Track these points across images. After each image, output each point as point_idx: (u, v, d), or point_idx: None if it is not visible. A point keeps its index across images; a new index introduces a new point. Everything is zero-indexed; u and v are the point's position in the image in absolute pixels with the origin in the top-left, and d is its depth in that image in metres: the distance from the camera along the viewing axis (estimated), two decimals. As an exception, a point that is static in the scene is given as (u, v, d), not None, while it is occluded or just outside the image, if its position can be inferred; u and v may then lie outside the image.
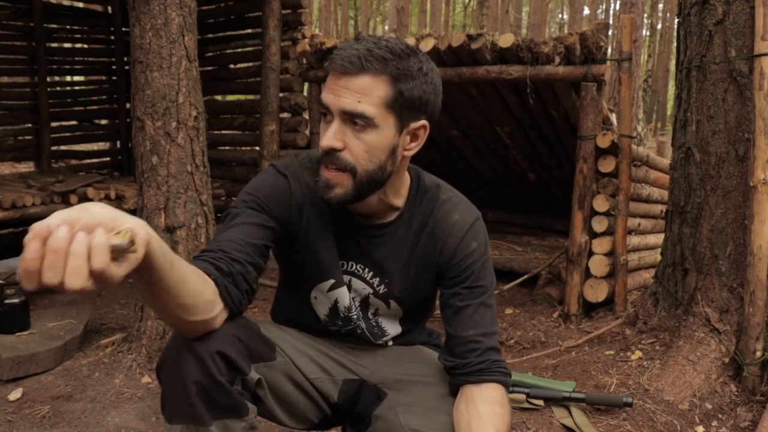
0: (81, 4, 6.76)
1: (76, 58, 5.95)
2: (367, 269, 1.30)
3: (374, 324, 1.36)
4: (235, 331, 1.11)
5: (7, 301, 2.78)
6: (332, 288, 1.30)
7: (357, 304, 1.33)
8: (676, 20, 2.87)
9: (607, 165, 3.38)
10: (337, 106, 1.10)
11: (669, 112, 24.29)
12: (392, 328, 1.39)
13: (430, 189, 1.30)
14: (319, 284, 1.30)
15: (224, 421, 1.07)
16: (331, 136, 1.11)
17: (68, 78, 6.32)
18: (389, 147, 1.14)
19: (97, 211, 0.78)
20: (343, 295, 1.31)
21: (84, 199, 3.90)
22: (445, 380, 1.28)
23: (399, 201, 1.27)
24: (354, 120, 1.11)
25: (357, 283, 1.31)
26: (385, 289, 1.31)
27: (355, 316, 1.34)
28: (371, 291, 1.31)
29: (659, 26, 25.33)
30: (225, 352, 1.06)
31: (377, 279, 1.30)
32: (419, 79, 1.13)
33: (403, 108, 1.13)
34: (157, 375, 1.10)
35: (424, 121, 1.18)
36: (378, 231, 1.28)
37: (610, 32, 4.18)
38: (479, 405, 1.16)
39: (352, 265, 1.30)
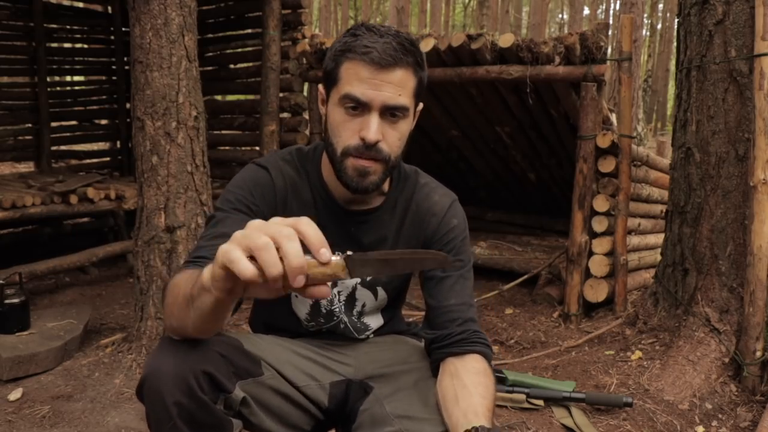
0: (81, 4, 6.76)
1: (76, 58, 5.94)
2: None
3: (356, 320, 1.37)
4: (218, 348, 1.09)
5: (7, 301, 2.78)
6: None
7: (343, 298, 1.33)
8: (676, 20, 2.87)
9: (607, 165, 3.38)
10: (380, 101, 1.12)
11: (669, 112, 24.28)
12: (375, 322, 1.40)
13: (410, 174, 1.34)
14: None
15: None
16: (375, 130, 1.12)
17: (68, 78, 6.31)
18: (409, 133, 1.21)
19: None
20: None
21: (84, 199, 3.90)
22: (427, 364, 1.29)
23: (386, 186, 1.29)
24: (392, 112, 1.14)
25: None
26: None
27: (337, 310, 1.33)
28: (359, 280, 1.31)
29: (659, 26, 25.31)
30: (208, 371, 1.05)
31: None
32: (426, 68, 1.19)
33: (419, 95, 1.19)
34: (138, 395, 1.07)
35: (421, 104, 1.23)
36: (364, 217, 1.29)
37: (610, 32, 4.18)
38: (463, 376, 1.16)
39: (338, 255, 1.29)
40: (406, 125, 1.18)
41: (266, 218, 1.19)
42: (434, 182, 1.36)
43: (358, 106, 1.13)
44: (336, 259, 0.78)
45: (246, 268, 0.74)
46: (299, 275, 0.75)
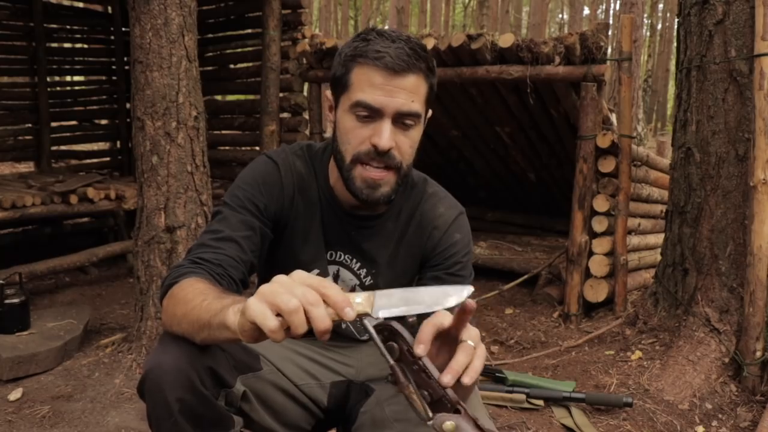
0: (81, 4, 6.75)
1: (76, 58, 5.95)
2: (354, 260, 1.29)
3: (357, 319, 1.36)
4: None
5: (7, 301, 2.78)
6: None
7: None
8: (676, 20, 2.87)
9: (607, 165, 3.38)
10: (394, 107, 1.10)
11: (669, 112, 24.28)
12: None
13: (418, 183, 1.32)
14: None
15: None
16: (388, 137, 1.11)
17: (68, 78, 6.31)
18: (419, 139, 1.19)
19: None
20: None
21: (84, 199, 3.90)
22: None
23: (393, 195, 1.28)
24: (404, 119, 1.12)
25: (344, 274, 1.30)
26: (372, 281, 1.30)
27: None
28: (357, 282, 1.31)
29: (659, 26, 25.31)
30: (209, 365, 1.05)
31: (364, 270, 1.30)
32: (436, 74, 1.17)
33: (429, 101, 1.17)
34: (139, 392, 1.07)
35: (430, 111, 1.21)
36: (367, 222, 1.28)
37: (610, 32, 4.18)
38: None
39: (340, 255, 1.29)
40: (417, 132, 1.16)
41: (271, 218, 1.22)
42: (442, 192, 1.33)
43: (370, 113, 1.11)
44: (359, 301, 0.83)
45: (274, 328, 0.79)
46: (325, 335, 0.80)
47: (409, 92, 1.10)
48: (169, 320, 1.05)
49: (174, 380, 1.01)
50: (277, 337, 0.80)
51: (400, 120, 1.12)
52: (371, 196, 1.15)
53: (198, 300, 0.97)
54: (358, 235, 1.28)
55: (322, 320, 0.78)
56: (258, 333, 0.82)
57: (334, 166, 1.24)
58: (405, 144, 1.14)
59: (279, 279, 0.82)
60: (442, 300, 0.86)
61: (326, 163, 1.28)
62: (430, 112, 1.22)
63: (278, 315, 0.79)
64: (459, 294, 0.86)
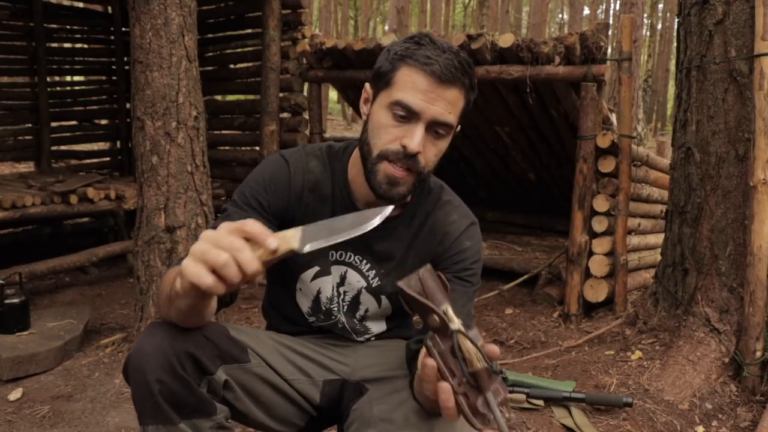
0: (81, 4, 6.76)
1: (76, 58, 5.95)
2: (364, 260, 1.29)
3: (358, 323, 1.36)
4: (204, 331, 1.12)
5: (7, 301, 2.78)
6: (316, 277, 1.30)
7: (347, 300, 1.32)
8: (676, 20, 2.87)
9: (607, 165, 3.38)
10: (431, 114, 1.12)
11: (669, 112, 24.29)
12: (377, 327, 1.38)
13: (434, 189, 1.33)
14: (303, 273, 1.30)
15: (192, 421, 1.08)
16: (419, 141, 1.13)
17: (68, 78, 6.32)
18: (445, 150, 1.21)
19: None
20: (326, 285, 1.31)
21: (84, 199, 3.90)
22: None
23: (409, 197, 1.28)
24: (437, 128, 1.14)
25: (352, 275, 1.30)
26: (379, 283, 1.30)
27: (335, 309, 1.33)
28: (365, 285, 1.31)
29: (659, 26, 25.32)
30: (190, 351, 1.07)
31: (373, 271, 1.30)
32: (476, 90, 1.19)
33: (463, 116, 1.19)
34: (124, 375, 1.11)
35: (459, 126, 1.22)
36: (381, 224, 1.27)
37: (610, 32, 4.18)
38: None
39: (350, 256, 1.30)
40: (445, 143, 1.18)
41: (277, 215, 1.23)
42: (457, 200, 1.35)
43: (407, 115, 1.13)
44: (290, 234, 0.88)
45: (211, 284, 0.83)
46: (257, 276, 0.85)
47: (448, 103, 1.13)
48: (158, 309, 1.10)
49: (154, 362, 1.05)
50: (218, 290, 0.83)
51: (433, 128, 1.14)
52: (388, 192, 1.17)
53: (167, 281, 1.03)
54: (370, 236, 1.27)
55: (250, 264, 0.82)
56: (200, 292, 0.86)
57: (356, 161, 1.25)
58: (431, 152, 1.16)
59: (206, 234, 0.85)
60: (363, 224, 0.92)
61: (346, 162, 1.29)
62: (458, 127, 1.22)
63: (213, 271, 0.83)
64: (379, 215, 0.93)
